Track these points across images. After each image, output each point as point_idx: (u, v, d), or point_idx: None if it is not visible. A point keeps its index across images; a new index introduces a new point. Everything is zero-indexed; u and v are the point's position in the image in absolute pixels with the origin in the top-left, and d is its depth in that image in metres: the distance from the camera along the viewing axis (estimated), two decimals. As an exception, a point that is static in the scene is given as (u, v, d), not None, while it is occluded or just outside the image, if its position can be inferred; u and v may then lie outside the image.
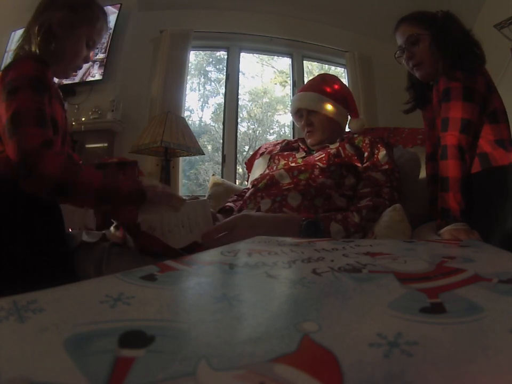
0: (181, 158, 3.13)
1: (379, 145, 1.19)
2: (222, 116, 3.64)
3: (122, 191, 0.84)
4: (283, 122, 4.64)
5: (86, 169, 0.85)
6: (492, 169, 1.08)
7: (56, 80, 1.05)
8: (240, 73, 3.73)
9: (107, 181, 0.84)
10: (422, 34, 1.19)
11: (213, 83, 4.52)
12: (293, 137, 3.32)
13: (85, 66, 3.24)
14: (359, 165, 1.17)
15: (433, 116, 1.28)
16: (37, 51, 0.94)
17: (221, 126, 3.64)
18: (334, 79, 1.43)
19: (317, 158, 1.20)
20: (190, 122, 3.38)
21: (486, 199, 1.08)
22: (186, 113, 3.59)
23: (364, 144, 1.21)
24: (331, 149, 1.22)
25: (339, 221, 0.95)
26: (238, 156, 3.59)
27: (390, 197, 1.07)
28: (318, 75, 1.48)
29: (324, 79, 1.40)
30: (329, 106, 1.31)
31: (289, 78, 4.01)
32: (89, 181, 0.82)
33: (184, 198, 0.98)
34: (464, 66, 1.09)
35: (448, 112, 1.09)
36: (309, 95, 1.33)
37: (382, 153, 1.17)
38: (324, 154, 1.20)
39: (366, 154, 1.18)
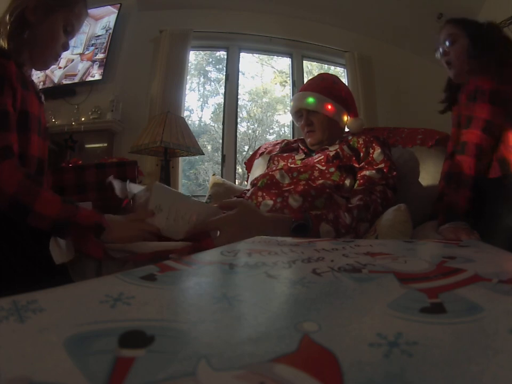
0: (180, 158, 3.13)
1: (374, 144, 1.19)
2: (222, 115, 3.64)
3: (79, 223, 0.77)
4: (283, 122, 4.64)
5: (44, 193, 0.77)
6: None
7: (42, 72, 1.00)
8: (239, 73, 3.73)
9: (65, 210, 0.77)
10: (462, 36, 1.22)
11: (212, 83, 4.52)
12: (293, 137, 3.32)
13: (85, 66, 3.25)
14: (357, 165, 1.17)
15: (459, 116, 1.28)
16: (4, 43, 0.88)
17: (221, 126, 3.64)
18: (334, 78, 1.43)
19: (316, 160, 1.20)
20: (189, 122, 3.39)
21: (502, 205, 1.07)
22: (186, 113, 3.59)
23: (359, 145, 1.21)
24: (330, 151, 1.22)
25: (329, 222, 0.94)
26: (237, 155, 3.60)
27: (382, 195, 1.07)
28: (318, 74, 1.48)
29: (324, 79, 1.40)
30: (329, 106, 1.31)
31: (289, 78, 4.01)
32: (45, 207, 0.75)
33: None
34: (497, 72, 1.11)
35: (473, 111, 1.10)
36: (309, 95, 1.33)
37: (377, 151, 1.17)
38: (322, 156, 1.20)
39: (361, 154, 1.19)
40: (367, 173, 1.12)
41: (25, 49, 0.91)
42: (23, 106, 0.88)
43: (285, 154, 1.37)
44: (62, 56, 1.03)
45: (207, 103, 4.49)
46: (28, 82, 0.93)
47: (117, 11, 3.30)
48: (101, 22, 3.35)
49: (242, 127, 4.42)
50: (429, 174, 1.35)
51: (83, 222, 0.78)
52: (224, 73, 3.71)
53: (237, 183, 3.40)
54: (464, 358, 0.14)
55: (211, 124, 4.44)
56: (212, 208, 0.92)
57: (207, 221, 0.85)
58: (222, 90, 3.85)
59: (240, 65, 3.71)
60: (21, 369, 0.14)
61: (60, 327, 0.17)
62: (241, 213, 0.87)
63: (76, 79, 3.23)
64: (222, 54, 3.89)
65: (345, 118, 1.36)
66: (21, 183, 0.74)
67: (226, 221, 0.85)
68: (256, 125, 4.62)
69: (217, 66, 4.41)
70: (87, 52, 3.30)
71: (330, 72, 3.48)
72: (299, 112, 1.36)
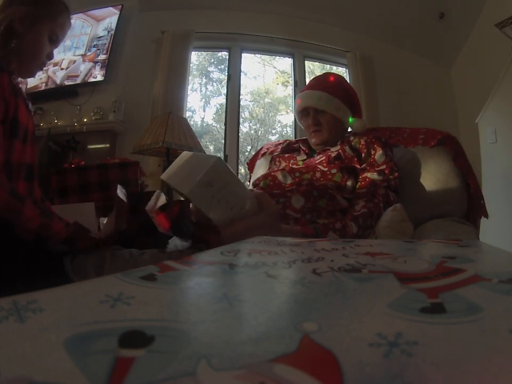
0: (182, 159, 3.13)
1: (375, 145, 1.19)
2: (224, 116, 3.64)
3: (55, 232, 0.82)
4: (285, 122, 4.64)
5: (26, 210, 0.81)
6: None
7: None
8: (241, 74, 3.73)
9: (44, 221, 0.81)
10: None
11: (214, 83, 4.52)
12: (295, 137, 3.32)
13: (87, 67, 3.25)
14: (358, 166, 1.16)
15: None
16: None
17: (223, 127, 3.65)
18: (341, 78, 1.42)
19: (317, 161, 1.20)
20: (191, 122, 3.39)
21: None
22: (188, 114, 3.59)
23: (360, 146, 1.21)
24: (332, 152, 1.22)
25: (337, 231, 0.95)
26: (240, 156, 3.60)
27: (385, 198, 1.07)
28: (325, 73, 1.47)
29: (331, 78, 1.39)
30: (337, 107, 1.30)
31: (291, 78, 4.01)
32: (26, 223, 0.79)
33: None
34: None
35: None
36: (318, 94, 1.31)
37: (378, 153, 1.17)
38: (324, 157, 1.19)
39: (363, 155, 1.18)
40: (368, 175, 1.12)
41: (13, 58, 0.94)
42: (14, 115, 0.90)
43: (286, 155, 1.37)
44: (49, 63, 1.07)
45: (209, 103, 4.49)
46: (17, 91, 0.95)
47: (118, 12, 3.30)
48: (102, 23, 3.35)
49: (244, 128, 4.42)
50: (430, 174, 1.35)
51: (56, 236, 0.81)
52: (226, 74, 3.71)
53: (239, 183, 3.40)
54: (464, 358, 0.14)
55: (213, 124, 4.45)
56: (253, 206, 0.83)
57: (236, 219, 0.79)
58: (224, 90, 3.85)
59: (242, 65, 3.71)
60: (21, 369, 0.14)
61: (60, 327, 0.17)
62: (265, 222, 0.81)
63: (78, 80, 3.24)
64: (224, 54, 3.90)
65: (350, 119, 1.36)
66: (6, 200, 0.78)
67: (250, 228, 0.78)
68: (258, 125, 4.62)
69: (219, 67, 4.41)
70: (89, 53, 3.31)
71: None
72: (305, 111, 1.35)
